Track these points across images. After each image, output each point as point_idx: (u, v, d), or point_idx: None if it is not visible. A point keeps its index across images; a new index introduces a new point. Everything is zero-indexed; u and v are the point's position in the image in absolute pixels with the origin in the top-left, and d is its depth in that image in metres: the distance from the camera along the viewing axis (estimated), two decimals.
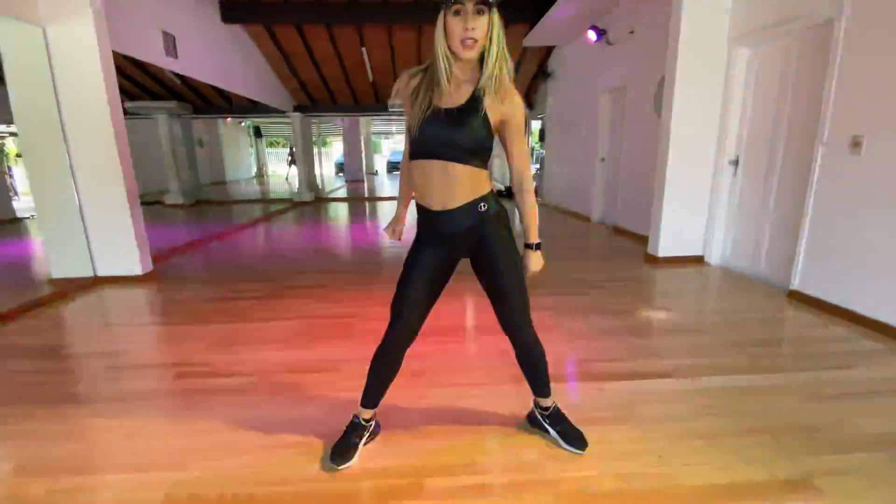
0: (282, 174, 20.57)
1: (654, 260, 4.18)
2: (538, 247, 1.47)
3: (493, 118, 1.31)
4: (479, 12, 1.20)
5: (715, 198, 4.01)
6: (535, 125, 11.82)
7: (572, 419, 1.68)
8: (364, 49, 7.74)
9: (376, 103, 10.21)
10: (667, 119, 3.98)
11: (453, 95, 1.30)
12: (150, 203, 10.09)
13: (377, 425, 1.69)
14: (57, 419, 1.87)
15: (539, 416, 1.68)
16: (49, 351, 2.56)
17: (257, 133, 19.77)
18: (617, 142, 5.90)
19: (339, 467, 1.52)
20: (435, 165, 1.33)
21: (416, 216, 1.51)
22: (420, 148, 1.35)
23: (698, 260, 4.16)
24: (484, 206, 1.38)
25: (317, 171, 12.27)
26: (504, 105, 1.31)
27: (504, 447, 1.66)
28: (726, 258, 4.01)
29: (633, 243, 5.05)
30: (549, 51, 8.10)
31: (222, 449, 1.65)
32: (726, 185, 3.93)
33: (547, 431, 1.66)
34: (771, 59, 3.46)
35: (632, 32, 5.14)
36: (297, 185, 10.89)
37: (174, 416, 1.89)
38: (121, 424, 1.83)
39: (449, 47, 1.26)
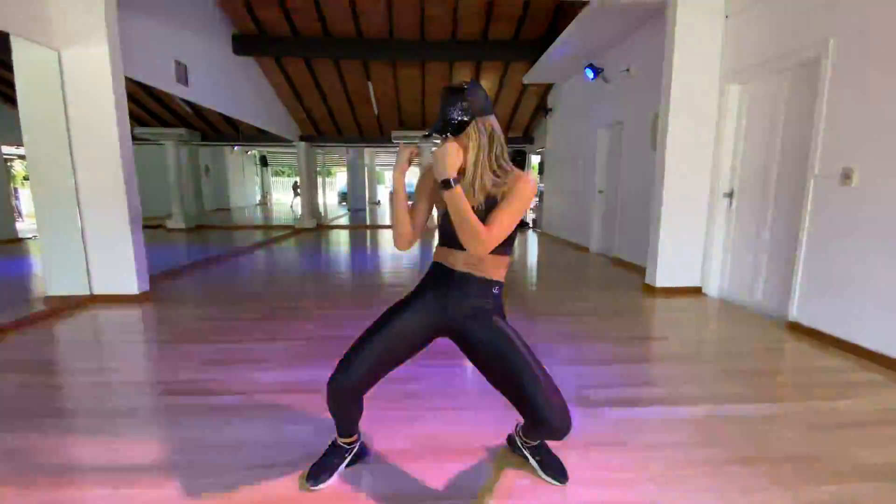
0: (285, 202, 20.85)
1: (651, 290, 4.17)
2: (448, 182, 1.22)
3: None
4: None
5: (711, 229, 4.04)
6: (535, 159, 12.06)
7: (567, 444, 1.64)
8: (370, 83, 8.01)
9: (380, 135, 10.46)
10: (661, 153, 4.06)
11: (473, 192, 1.32)
12: (152, 226, 10.19)
13: (363, 447, 1.64)
14: (39, 434, 1.83)
15: (520, 444, 1.63)
16: (37, 367, 2.53)
17: (263, 162, 20.14)
18: (614, 174, 6.01)
19: (313, 488, 1.47)
20: (460, 254, 1.38)
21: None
22: (445, 237, 1.41)
23: (696, 291, 4.15)
24: (497, 289, 1.42)
25: (320, 200, 12.43)
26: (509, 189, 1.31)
27: (497, 472, 1.61)
28: (724, 289, 4.00)
29: (631, 274, 5.05)
30: (548, 88, 8.37)
31: (203, 468, 1.61)
32: (722, 217, 3.98)
33: (526, 458, 1.61)
34: (762, 95, 3.57)
35: (627, 70, 5.32)
36: (300, 213, 11.00)
37: (157, 434, 1.85)
38: (103, 441, 1.79)
39: None
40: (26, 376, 2.39)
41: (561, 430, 1.28)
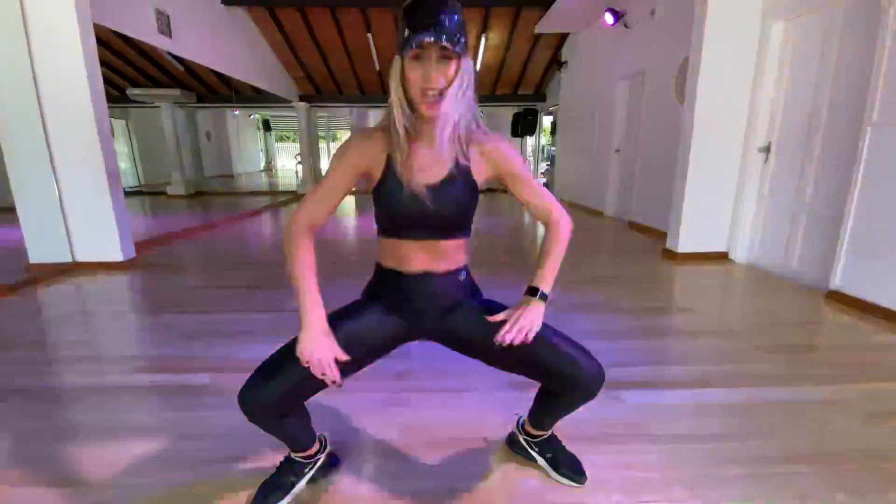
0: (291, 168, 20.46)
1: (672, 256, 3.85)
2: (543, 298, 1.08)
3: (479, 178, 1.06)
4: (445, 58, 0.92)
5: (742, 189, 3.65)
6: (547, 120, 11.47)
7: (580, 436, 1.39)
8: (370, 35, 7.48)
9: (382, 94, 9.94)
10: (691, 104, 3.63)
11: (427, 165, 1.01)
12: (153, 193, 9.98)
13: (331, 458, 1.33)
14: None
15: (524, 442, 1.36)
16: (5, 340, 2.33)
17: (266, 126, 19.65)
18: (633, 131, 5.55)
19: None
20: (413, 245, 1.07)
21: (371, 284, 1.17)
22: (392, 226, 1.07)
23: (722, 256, 3.81)
24: (464, 275, 1.15)
25: (324, 165, 12.05)
26: (491, 161, 1.06)
27: (501, 468, 1.37)
28: (753, 255, 3.66)
29: (650, 239, 4.71)
30: (562, 39, 7.76)
31: (157, 461, 1.39)
32: (755, 174, 3.58)
33: (533, 459, 1.35)
34: (811, 33, 3.10)
35: (652, 13, 4.79)
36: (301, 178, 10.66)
37: (116, 418, 1.63)
38: (53, 426, 1.58)
39: (408, 98, 0.97)
40: None
41: (598, 382, 1.12)
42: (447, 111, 0.95)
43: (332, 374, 0.96)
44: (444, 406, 1.69)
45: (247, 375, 0.92)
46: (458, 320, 1.12)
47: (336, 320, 1.06)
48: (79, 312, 2.79)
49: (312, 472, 1.25)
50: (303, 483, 1.23)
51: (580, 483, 1.28)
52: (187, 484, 1.29)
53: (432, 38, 0.87)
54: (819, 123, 3.05)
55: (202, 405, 1.70)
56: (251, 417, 1.03)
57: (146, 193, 10.11)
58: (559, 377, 1.09)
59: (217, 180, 13.29)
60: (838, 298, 2.75)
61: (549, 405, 1.22)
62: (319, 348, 0.96)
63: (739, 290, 3.18)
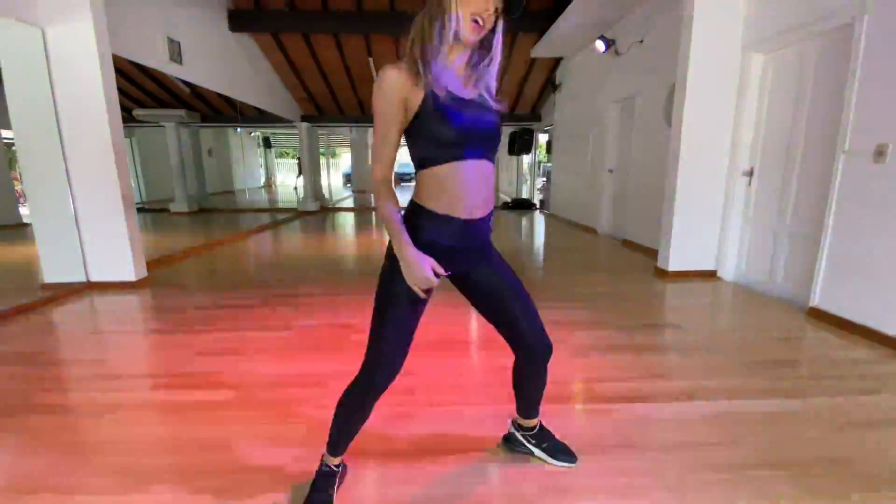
0: (290, 184, 20.69)
1: (663, 274, 4.01)
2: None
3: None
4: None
5: (728, 210, 3.84)
6: (543, 138, 11.74)
7: (575, 445, 1.54)
8: (371, 59, 7.74)
9: None
10: (677, 128, 3.84)
11: (463, 84, 1.13)
12: (156, 210, 10.13)
13: (345, 466, 1.44)
14: (17, 431, 1.75)
15: (522, 438, 1.56)
16: (25, 358, 2.45)
17: (266, 144, 19.91)
18: (625, 152, 5.77)
19: None
20: (471, 166, 1.11)
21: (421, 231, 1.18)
22: (453, 148, 1.08)
23: (710, 275, 3.98)
24: (492, 216, 1.25)
25: (324, 182, 12.26)
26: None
27: (501, 477, 1.50)
28: (740, 273, 3.83)
29: (642, 257, 4.88)
30: (557, 62, 8.04)
31: (185, 471, 1.51)
32: (740, 196, 3.77)
33: (531, 452, 1.55)
34: (787, 65, 3.32)
35: (641, 41, 5.04)
36: (302, 195, 10.83)
37: (143, 431, 1.76)
38: (84, 439, 1.70)
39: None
40: (12, 367, 2.32)
41: (549, 348, 1.33)
42: (497, 48, 1.10)
43: (432, 281, 1.09)
44: (447, 419, 1.83)
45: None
46: (479, 268, 1.26)
47: (397, 302, 1.18)
48: (95, 332, 2.91)
49: (340, 478, 1.37)
50: (335, 493, 1.33)
51: (574, 463, 1.51)
52: (206, 496, 1.41)
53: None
54: (797, 150, 3.25)
55: (226, 418, 1.82)
56: (371, 401, 1.24)
57: (149, 210, 10.25)
58: (523, 338, 1.31)
59: (219, 197, 13.48)
60: (818, 315, 2.90)
61: (521, 385, 1.44)
62: (420, 268, 1.08)
63: (726, 307, 3.33)
